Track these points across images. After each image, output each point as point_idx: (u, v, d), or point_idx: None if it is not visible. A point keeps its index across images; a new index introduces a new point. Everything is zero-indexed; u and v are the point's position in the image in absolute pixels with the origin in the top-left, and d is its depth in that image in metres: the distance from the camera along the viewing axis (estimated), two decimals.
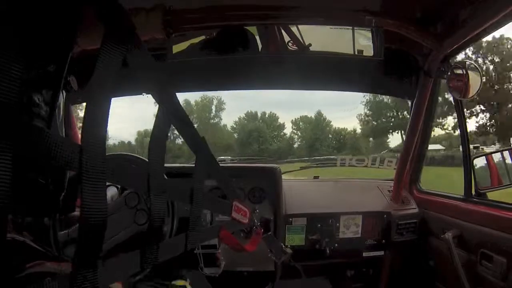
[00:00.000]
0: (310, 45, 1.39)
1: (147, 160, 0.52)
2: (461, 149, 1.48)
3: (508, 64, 15.01)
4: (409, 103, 1.69)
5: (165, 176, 0.57)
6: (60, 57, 0.42)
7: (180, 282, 0.90)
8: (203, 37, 1.45)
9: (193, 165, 0.69)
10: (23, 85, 0.35)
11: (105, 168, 0.38)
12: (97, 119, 0.37)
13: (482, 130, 15.44)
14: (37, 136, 0.30)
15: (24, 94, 0.36)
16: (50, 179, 0.53)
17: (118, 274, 0.45)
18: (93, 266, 0.37)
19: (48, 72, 0.42)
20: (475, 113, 15.48)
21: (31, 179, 0.49)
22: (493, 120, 15.45)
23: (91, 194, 0.36)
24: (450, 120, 15.08)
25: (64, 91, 0.55)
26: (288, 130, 17.18)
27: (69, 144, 0.35)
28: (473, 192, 1.40)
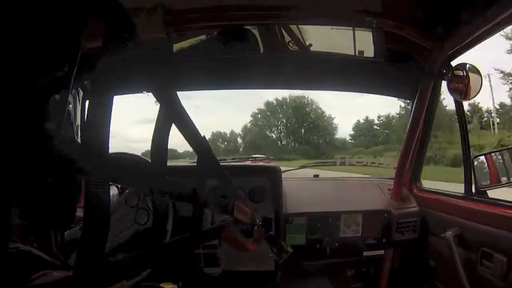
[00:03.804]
0: (310, 45, 1.39)
1: (149, 160, 0.52)
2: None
3: None
4: (410, 104, 1.69)
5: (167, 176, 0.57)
6: (69, 58, 0.42)
7: (168, 285, 0.90)
8: (203, 37, 1.45)
9: (195, 164, 0.70)
10: (32, 87, 0.36)
11: (107, 167, 0.38)
12: (100, 118, 0.37)
13: None
14: (44, 137, 0.30)
15: (34, 96, 0.36)
16: (65, 183, 0.53)
17: (121, 275, 0.45)
18: (96, 267, 0.37)
19: (57, 73, 0.42)
20: None
21: (46, 184, 0.49)
22: None
23: (94, 193, 0.36)
24: None
25: (80, 91, 0.55)
26: None
27: (73, 144, 0.35)
28: (473, 191, 1.40)
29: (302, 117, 21.58)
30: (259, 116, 21.74)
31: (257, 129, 21.78)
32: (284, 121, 21.73)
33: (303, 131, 21.78)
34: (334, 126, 21.62)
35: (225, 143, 20.75)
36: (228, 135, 21.05)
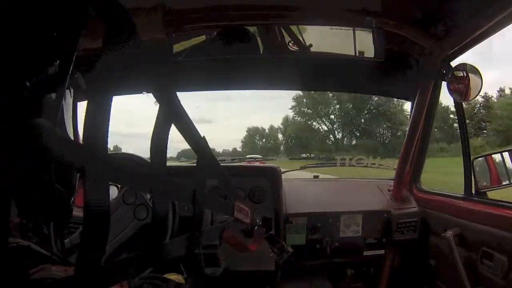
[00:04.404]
0: (311, 45, 1.39)
1: (148, 160, 0.52)
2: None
3: None
4: (410, 104, 1.69)
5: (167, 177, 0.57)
6: (65, 57, 0.43)
7: (172, 275, 0.90)
8: (203, 37, 1.45)
9: (194, 165, 0.70)
10: (28, 85, 0.36)
11: (106, 168, 0.38)
12: (99, 118, 0.37)
13: None
14: (40, 135, 0.30)
15: (29, 94, 0.36)
16: (61, 182, 0.53)
17: (121, 275, 0.45)
18: (96, 267, 0.37)
19: (53, 71, 0.42)
20: None
21: (44, 182, 0.49)
22: None
23: (94, 194, 0.36)
24: None
25: (72, 89, 0.55)
26: None
27: (71, 143, 0.35)
28: (473, 192, 1.40)
29: (361, 103, 15.68)
30: (304, 101, 15.98)
31: (301, 119, 16.28)
32: (338, 107, 16.18)
33: (362, 121, 16.06)
34: (406, 113, 14.59)
35: (263, 140, 16.40)
36: (267, 130, 16.39)
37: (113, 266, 0.44)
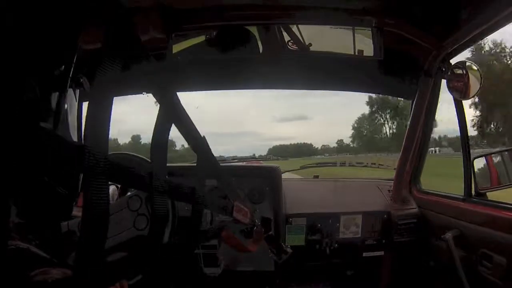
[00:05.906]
0: (310, 45, 1.39)
1: (149, 160, 0.52)
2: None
3: None
4: (410, 103, 1.69)
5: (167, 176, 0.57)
6: (66, 58, 0.43)
7: None
8: (203, 37, 1.45)
9: (195, 164, 0.70)
10: (29, 87, 0.36)
11: (107, 167, 0.38)
12: (99, 119, 0.37)
13: None
14: (41, 136, 0.30)
15: (30, 96, 0.36)
16: (64, 185, 0.53)
17: (119, 274, 0.45)
18: (94, 265, 0.37)
19: (54, 73, 0.42)
20: None
21: (47, 185, 0.49)
22: None
23: (93, 193, 0.36)
24: None
25: (77, 90, 0.55)
26: None
27: (72, 143, 0.35)
28: (473, 193, 1.40)
29: None
30: None
31: None
32: None
33: None
34: None
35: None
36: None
37: (112, 265, 0.44)
